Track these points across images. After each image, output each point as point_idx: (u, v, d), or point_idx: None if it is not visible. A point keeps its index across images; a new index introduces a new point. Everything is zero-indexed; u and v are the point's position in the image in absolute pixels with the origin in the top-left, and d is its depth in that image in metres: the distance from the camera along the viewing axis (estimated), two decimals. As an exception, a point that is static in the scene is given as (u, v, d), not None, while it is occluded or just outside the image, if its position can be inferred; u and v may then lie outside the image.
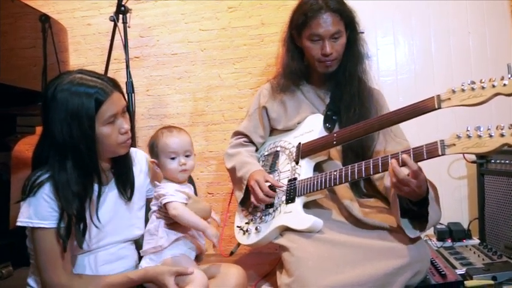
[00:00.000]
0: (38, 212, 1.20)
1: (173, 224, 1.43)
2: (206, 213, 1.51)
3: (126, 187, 1.43)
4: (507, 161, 2.00)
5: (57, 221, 1.20)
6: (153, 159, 1.50)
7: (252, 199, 1.74)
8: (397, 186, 1.36)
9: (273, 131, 2.01)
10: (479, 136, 1.22)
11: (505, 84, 1.25)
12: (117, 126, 1.30)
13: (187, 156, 1.50)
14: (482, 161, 2.16)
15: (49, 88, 1.25)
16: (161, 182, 1.50)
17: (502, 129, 1.18)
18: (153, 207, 1.47)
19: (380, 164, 1.43)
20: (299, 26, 1.78)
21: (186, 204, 1.44)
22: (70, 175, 1.22)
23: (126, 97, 2.10)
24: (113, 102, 1.27)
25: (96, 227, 1.30)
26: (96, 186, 1.31)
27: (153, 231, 1.43)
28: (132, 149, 1.49)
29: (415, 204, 1.44)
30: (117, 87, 1.32)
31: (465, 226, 2.25)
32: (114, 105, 1.27)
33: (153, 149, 1.50)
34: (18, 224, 1.22)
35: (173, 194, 1.42)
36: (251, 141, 2.00)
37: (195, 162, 1.55)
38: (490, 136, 1.20)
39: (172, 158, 1.47)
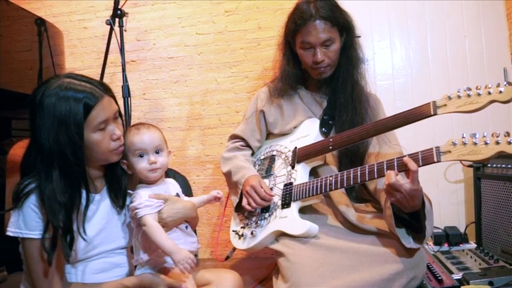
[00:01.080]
0: (27, 222, 1.18)
1: None
2: (188, 212, 1.45)
3: (118, 195, 1.40)
4: (503, 165, 2.00)
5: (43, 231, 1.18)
6: (123, 161, 1.40)
7: (244, 203, 1.72)
8: (388, 191, 1.34)
9: (269, 135, 2.00)
10: (475, 143, 1.22)
11: (501, 92, 1.25)
12: (109, 132, 1.26)
13: (157, 152, 1.41)
14: (479, 165, 2.15)
15: (37, 93, 1.21)
16: (136, 189, 1.43)
17: (497, 137, 1.18)
18: (132, 220, 1.40)
19: (375, 170, 1.43)
20: (291, 33, 1.77)
21: (159, 212, 1.37)
22: (56, 185, 1.18)
23: (122, 101, 2.13)
24: (103, 107, 1.23)
25: (84, 239, 1.26)
26: (84, 196, 1.27)
27: (137, 243, 1.38)
28: None
29: (408, 216, 1.43)
30: (108, 91, 1.28)
31: (462, 230, 2.24)
32: (104, 111, 1.23)
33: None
34: (8, 233, 1.20)
35: (147, 205, 1.34)
36: (248, 145, 2.00)
37: (169, 159, 1.46)
38: (486, 143, 1.20)
39: (141, 156, 1.39)
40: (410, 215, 1.42)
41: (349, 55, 1.79)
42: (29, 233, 1.18)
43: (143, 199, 1.36)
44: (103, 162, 1.33)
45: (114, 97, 1.31)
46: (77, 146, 1.19)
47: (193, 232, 1.52)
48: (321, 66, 1.75)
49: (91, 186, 1.31)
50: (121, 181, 1.41)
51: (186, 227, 1.48)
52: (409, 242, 1.40)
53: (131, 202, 1.38)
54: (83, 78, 1.26)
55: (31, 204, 1.18)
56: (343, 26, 1.75)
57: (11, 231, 1.19)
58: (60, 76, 1.25)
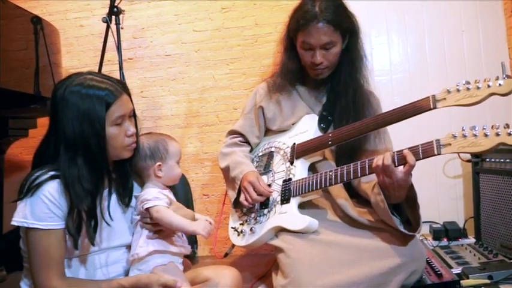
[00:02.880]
0: (35, 212, 1.20)
1: (157, 233, 1.40)
2: (189, 218, 1.47)
3: (125, 193, 1.43)
4: (502, 160, 2.00)
5: (53, 222, 1.21)
6: (159, 164, 1.46)
7: (241, 199, 1.72)
8: (381, 170, 1.37)
9: (267, 132, 1.99)
10: (475, 135, 1.22)
11: (500, 84, 1.25)
12: (124, 128, 1.32)
13: None
14: (477, 159, 2.16)
15: (58, 89, 1.27)
16: (144, 188, 1.47)
17: (497, 129, 1.19)
18: (135, 217, 1.43)
19: (375, 165, 1.42)
20: (293, 30, 1.75)
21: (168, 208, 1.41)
22: (81, 171, 1.23)
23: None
24: (122, 103, 1.29)
25: (108, 224, 1.32)
26: (106, 185, 1.33)
27: (136, 239, 1.40)
28: None
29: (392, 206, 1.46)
30: (126, 89, 1.35)
31: (461, 225, 2.25)
32: (123, 107, 1.30)
33: (158, 153, 1.47)
34: (13, 223, 1.22)
35: (157, 197, 1.39)
36: (246, 141, 1.99)
37: None
38: (486, 135, 1.20)
39: (177, 163, 1.51)
40: (393, 206, 1.45)
41: (351, 57, 1.78)
42: (35, 223, 1.20)
43: (154, 193, 1.42)
44: (115, 158, 1.37)
45: (130, 96, 1.37)
46: (100, 137, 1.25)
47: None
48: (318, 68, 1.74)
49: (111, 178, 1.38)
50: (129, 179, 1.45)
51: (182, 234, 1.50)
52: (401, 228, 1.43)
53: (140, 198, 1.42)
54: (104, 76, 1.33)
55: (42, 195, 1.20)
56: (347, 29, 1.72)
57: (16, 220, 1.22)
58: (82, 73, 1.32)
